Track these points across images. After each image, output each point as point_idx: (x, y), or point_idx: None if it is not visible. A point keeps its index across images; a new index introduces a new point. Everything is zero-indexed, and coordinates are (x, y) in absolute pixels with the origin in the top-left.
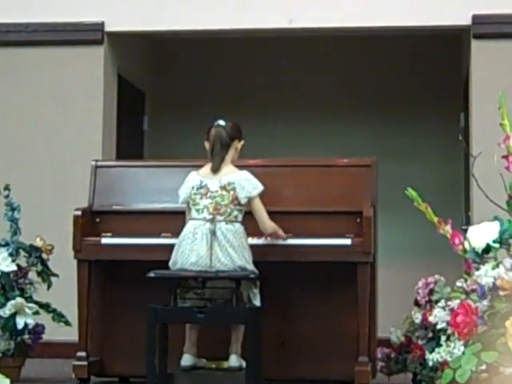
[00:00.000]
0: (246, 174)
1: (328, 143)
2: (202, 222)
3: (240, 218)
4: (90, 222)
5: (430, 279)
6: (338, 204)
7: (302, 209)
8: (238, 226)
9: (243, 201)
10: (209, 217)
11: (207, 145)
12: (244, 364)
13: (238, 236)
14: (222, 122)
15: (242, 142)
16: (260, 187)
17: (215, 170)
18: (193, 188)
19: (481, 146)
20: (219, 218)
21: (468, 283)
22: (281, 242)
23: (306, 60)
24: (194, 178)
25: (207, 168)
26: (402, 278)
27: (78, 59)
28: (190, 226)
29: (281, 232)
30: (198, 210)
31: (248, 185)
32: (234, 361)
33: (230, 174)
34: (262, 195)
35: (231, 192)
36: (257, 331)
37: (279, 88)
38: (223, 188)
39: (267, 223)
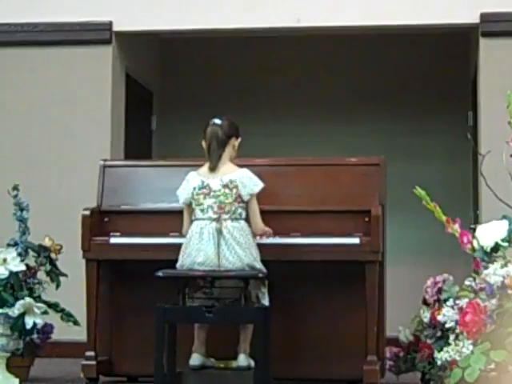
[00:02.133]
0: (246, 171)
1: (335, 142)
2: (208, 221)
3: (244, 215)
4: (98, 221)
5: (439, 278)
6: (346, 203)
7: (310, 208)
8: (243, 223)
9: (246, 198)
10: (214, 216)
11: (204, 144)
12: (252, 363)
13: (244, 233)
14: (217, 121)
15: (240, 140)
16: (261, 184)
17: (213, 168)
18: (194, 188)
19: (489, 145)
20: (225, 216)
21: (477, 282)
22: (270, 239)
23: (313, 59)
24: (194, 177)
25: (206, 167)
26: (410, 276)
27: (86, 59)
28: (195, 227)
29: (267, 228)
30: (202, 210)
31: (249, 182)
32: (243, 360)
33: (231, 172)
34: (268, 194)
35: (234, 190)
36: (265, 330)
37: (286, 87)
38: (226, 186)
39: (260, 224)
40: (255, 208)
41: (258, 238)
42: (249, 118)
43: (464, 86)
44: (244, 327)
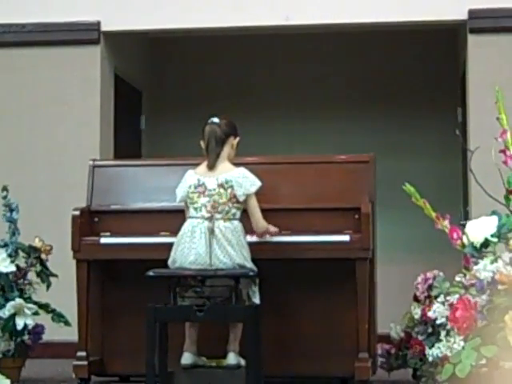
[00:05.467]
0: (243, 170)
1: (325, 140)
2: (201, 220)
3: (238, 215)
4: (88, 221)
5: (429, 274)
6: (336, 200)
7: (301, 206)
8: (236, 223)
9: (241, 198)
10: (207, 215)
11: (203, 143)
12: (242, 362)
13: (236, 234)
14: (215, 120)
15: (238, 139)
16: (258, 184)
17: (211, 166)
18: (190, 186)
19: (478, 141)
20: (217, 216)
21: (467, 278)
22: (273, 238)
23: (303, 57)
24: (191, 176)
25: (204, 166)
26: (401, 273)
27: (75, 59)
28: (188, 225)
29: (272, 228)
30: (195, 209)
31: (245, 182)
32: (232, 359)
33: (227, 171)
34: (259, 192)
35: (229, 190)
36: (256, 329)
37: (277, 85)
38: (221, 186)
39: (261, 222)
40: (254, 206)
41: (260, 237)
42: (238, 117)
43: (453, 83)
44: (233, 326)
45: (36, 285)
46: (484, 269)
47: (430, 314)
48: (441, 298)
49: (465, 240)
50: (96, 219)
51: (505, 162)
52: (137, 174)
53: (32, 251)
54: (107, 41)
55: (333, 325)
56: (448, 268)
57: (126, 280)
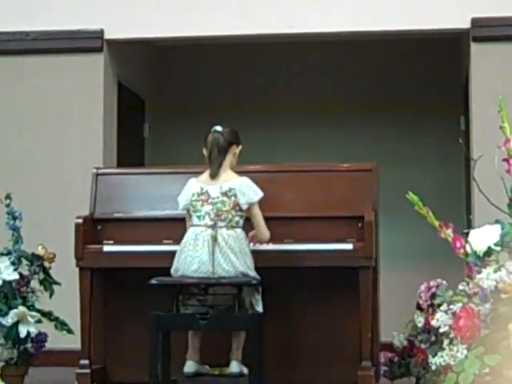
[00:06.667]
0: (246, 180)
1: (328, 148)
2: (204, 228)
3: (241, 223)
4: (91, 229)
5: (432, 283)
6: (339, 209)
7: (304, 214)
8: (239, 231)
9: (244, 207)
10: (210, 223)
11: (205, 152)
12: (245, 370)
13: (239, 242)
14: (218, 128)
15: (240, 147)
16: (260, 193)
17: (214, 175)
18: (193, 195)
19: (481, 149)
20: (220, 224)
21: (470, 286)
22: (276, 246)
23: (306, 65)
24: (194, 184)
25: (206, 174)
26: (403, 282)
27: (78, 67)
28: (191, 233)
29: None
30: (199, 217)
31: (249, 191)
32: (235, 367)
33: (231, 180)
34: (262, 201)
35: (232, 198)
36: (259, 337)
37: (279, 93)
38: (224, 194)
39: (265, 231)
40: (257, 215)
41: (257, 244)
42: (241, 125)
43: (456, 91)
44: (236, 334)
45: (39, 293)
46: (487, 277)
47: (433, 322)
48: (444, 307)
49: (468, 249)
50: (99, 227)
51: (508, 171)
52: (140, 182)
53: (35, 259)
54: (110, 49)
55: (335, 333)
56: (451, 277)
57: (128, 288)
